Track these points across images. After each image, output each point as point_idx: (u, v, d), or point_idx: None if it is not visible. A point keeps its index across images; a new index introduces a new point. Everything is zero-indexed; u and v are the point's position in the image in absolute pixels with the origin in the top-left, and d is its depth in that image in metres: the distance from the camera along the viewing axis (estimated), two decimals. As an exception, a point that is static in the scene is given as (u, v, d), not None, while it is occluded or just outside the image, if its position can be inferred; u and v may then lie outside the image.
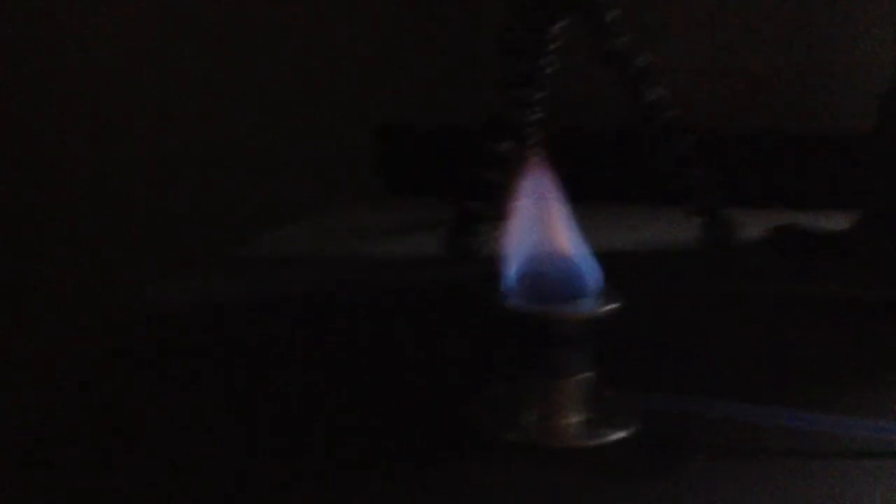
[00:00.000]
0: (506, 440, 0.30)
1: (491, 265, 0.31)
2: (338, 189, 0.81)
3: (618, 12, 0.54)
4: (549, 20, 0.55)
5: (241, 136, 0.85)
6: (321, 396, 0.35)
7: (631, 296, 0.30)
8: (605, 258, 0.31)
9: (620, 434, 0.29)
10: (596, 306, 0.29)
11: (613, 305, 0.29)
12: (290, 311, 0.46)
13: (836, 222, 0.57)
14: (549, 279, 0.30)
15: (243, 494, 0.27)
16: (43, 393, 0.36)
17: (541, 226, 0.32)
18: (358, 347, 0.41)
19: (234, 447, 0.31)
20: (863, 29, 0.69)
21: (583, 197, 0.33)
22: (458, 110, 0.77)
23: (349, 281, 0.52)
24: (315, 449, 0.30)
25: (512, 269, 0.31)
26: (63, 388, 0.37)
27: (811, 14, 0.71)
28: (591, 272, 0.30)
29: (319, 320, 0.44)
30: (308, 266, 0.56)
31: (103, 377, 0.38)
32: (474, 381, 0.35)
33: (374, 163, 0.80)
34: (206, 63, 0.85)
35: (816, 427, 0.29)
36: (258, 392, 0.35)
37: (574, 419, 0.30)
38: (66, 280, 0.87)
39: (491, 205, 0.54)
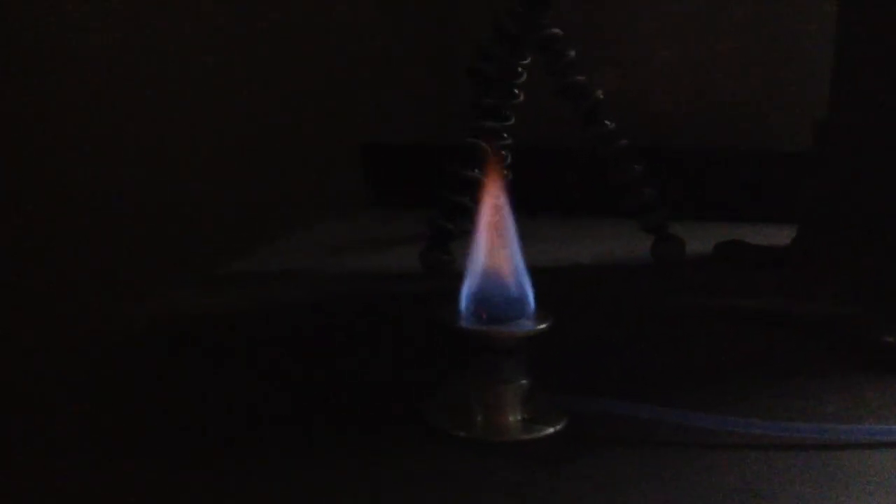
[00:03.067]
0: (456, 435, 0.36)
1: (454, 281, 0.37)
2: (326, 203, 0.86)
3: (574, 53, 0.60)
4: (515, 58, 0.61)
5: (232, 154, 0.89)
6: (290, 396, 0.40)
7: (571, 309, 0.36)
8: (561, 270, 0.35)
9: (549, 430, 0.36)
10: (530, 326, 0.35)
11: (544, 325, 0.35)
12: (273, 322, 0.52)
13: (777, 237, 0.63)
14: (494, 300, 0.36)
15: (220, 482, 0.33)
16: (43, 398, 0.41)
17: (490, 247, 0.37)
18: (331, 352, 0.46)
19: (211, 441, 0.36)
20: (805, 61, 0.75)
21: (546, 210, 0.38)
22: (439, 131, 0.82)
23: (329, 292, 0.58)
24: (284, 443, 0.36)
25: (466, 288, 0.37)
26: (63, 393, 0.41)
27: (764, 46, 0.77)
28: (529, 294, 0.36)
29: (300, 330, 0.50)
30: (295, 278, 0.61)
31: (101, 384, 0.43)
32: (430, 384, 0.41)
33: (361, 178, 0.85)
34: (204, 84, 0.89)
35: (714, 426, 0.35)
36: (239, 393, 0.41)
37: (513, 418, 0.36)
38: (65, 292, 0.90)
39: (460, 224, 0.60)
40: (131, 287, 0.79)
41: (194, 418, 0.38)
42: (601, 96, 0.60)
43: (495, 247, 0.37)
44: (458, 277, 0.37)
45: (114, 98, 0.91)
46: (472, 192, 0.60)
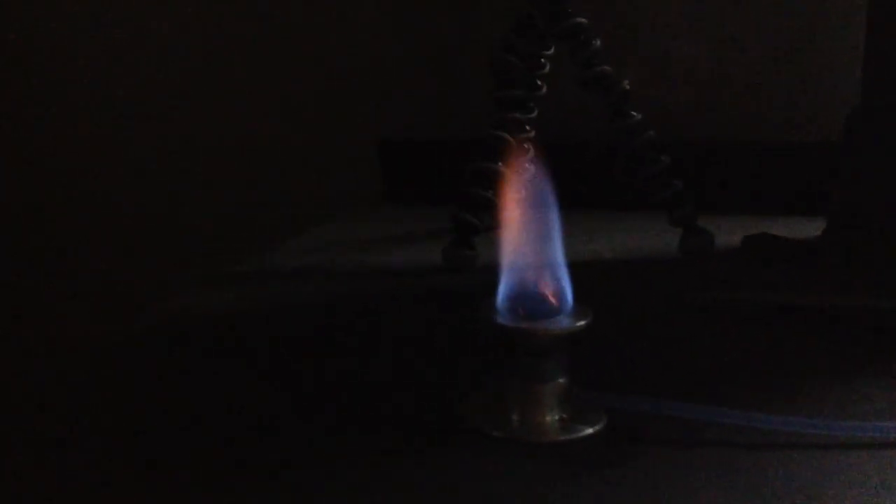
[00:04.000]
0: (493, 435, 0.35)
1: (484, 277, 0.36)
2: (344, 199, 0.85)
3: (599, 43, 0.58)
4: (539, 49, 0.60)
5: (248, 152, 0.89)
6: (327, 394, 0.39)
7: (605, 307, 0.35)
8: (591, 266, 0.34)
9: (589, 430, 0.35)
10: (569, 323, 0.34)
11: (583, 322, 0.34)
12: (296, 319, 0.51)
13: (806, 229, 0.61)
14: (532, 297, 0.35)
15: (244, 484, 0.32)
16: (49, 397, 0.40)
17: (530, 240, 0.36)
18: (363, 351, 0.45)
19: (235, 444, 0.35)
20: (833, 50, 0.74)
21: (573, 205, 0.37)
22: (455, 126, 0.81)
23: (346, 289, 0.57)
24: (321, 441, 0.35)
25: (502, 284, 0.36)
26: (69, 392, 0.41)
27: (793, 34, 0.75)
28: (568, 291, 0.35)
29: (325, 326, 0.49)
30: (316, 275, 0.60)
31: (102, 384, 0.42)
32: (467, 384, 0.40)
33: (377, 174, 0.84)
34: (215, 82, 0.89)
35: (760, 425, 0.34)
36: (263, 391, 0.40)
37: (550, 418, 0.35)
38: (69, 293, 0.90)
39: (485, 218, 0.59)
40: (146, 286, 0.79)
41: (209, 418, 0.38)
42: (628, 87, 0.58)
43: (533, 241, 0.36)
44: (482, 272, 0.36)
45: (117, 94, 0.90)
46: (496, 186, 0.59)
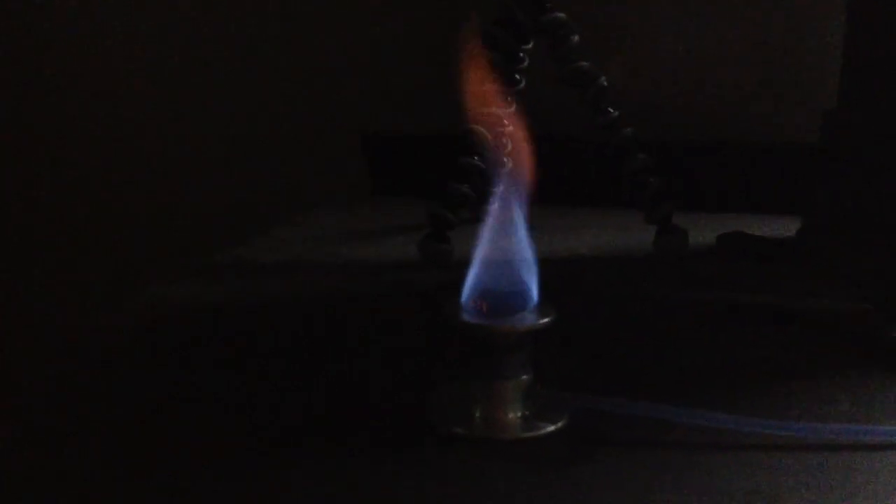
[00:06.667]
0: (456, 433, 0.35)
1: (454, 273, 0.36)
2: (327, 192, 0.85)
3: (577, 38, 0.58)
4: (519, 43, 0.60)
5: (233, 141, 0.88)
6: (291, 392, 0.39)
7: (573, 303, 0.35)
8: (559, 262, 0.34)
9: (551, 428, 0.34)
10: (532, 320, 0.34)
11: (547, 319, 0.34)
12: (269, 313, 0.51)
13: (780, 229, 0.61)
14: (496, 294, 0.35)
15: (221, 482, 0.32)
16: (44, 391, 0.40)
17: (497, 235, 0.36)
18: (327, 348, 0.45)
19: (211, 439, 0.35)
20: (814, 52, 0.74)
21: (550, 201, 0.37)
22: (440, 120, 0.81)
23: (326, 282, 0.57)
24: (278, 439, 0.35)
25: (468, 281, 0.36)
26: (63, 386, 0.41)
27: (770, 35, 0.75)
28: (532, 286, 0.35)
29: (296, 322, 0.49)
30: (292, 269, 0.60)
31: (100, 377, 0.42)
32: (429, 380, 0.40)
33: (361, 167, 0.84)
34: (203, 72, 0.88)
35: (720, 425, 0.34)
36: (236, 389, 0.40)
37: (513, 415, 0.35)
38: (64, 284, 0.90)
39: (461, 213, 0.59)
40: (132, 277, 0.79)
41: (189, 414, 0.37)
42: (605, 83, 0.58)
43: (499, 236, 0.36)
44: (457, 267, 0.36)
45: (107, 87, 0.90)
46: (472, 180, 0.59)
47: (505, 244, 0.36)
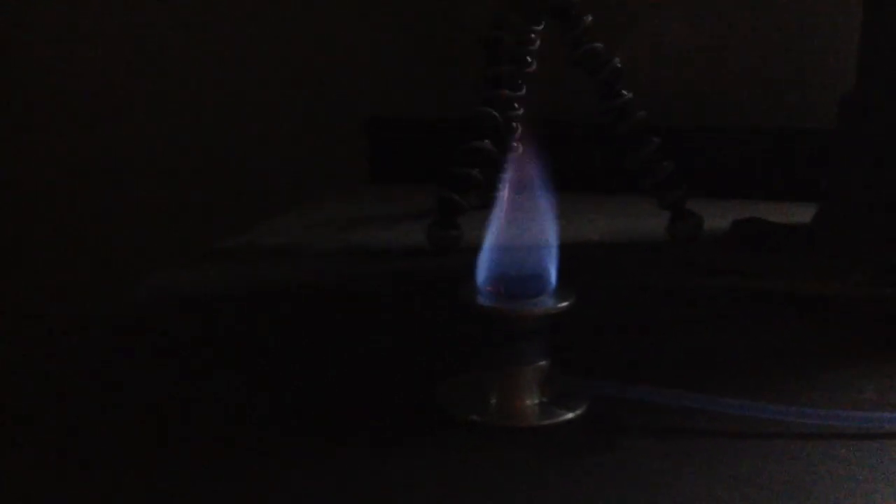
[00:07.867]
0: (471, 420, 0.34)
1: (466, 258, 0.35)
2: (330, 179, 0.84)
3: (591, 19, 0.57)
4: (529, 25, 0.58)
5: (235, 128, 0.87)
6: (305, 381, 0.38)
7: (588, 289, 0.34)
8: (576, 248, 0.33)
9: (569, 415, 0.33)
10: (550, 304, 0.33)
11: (566, 303, 0.33)
12: (277, 301, 0.50)
13: (797, 215, 0.60)
14: (513, 277, 0.34)
15: (229, 471, 0.31)
16: (42, 380, 0.39)
17: (514, 220, 0.35)
18: (340, 335, 0.44)
19: (220, 430, 0.34)
20: (830, 35, 0.72)
21: (560, 187, 0.36)
22: (444, 104, 0.80)
23: (331, 269, 0.56)
24: (291, 428, 0.34)
25: (482, 264, 0.34)
26: (61, 375, 0.40)
27: (785, 18, 0.74)
28: (550, 270, 0.34)
29: (305, 310, 0.48)
30: (298, 256, 0.59)
31: (99, 367, 0.41)
32: (445, 367, 0.39)
33: (364, 153, 0.83)
34: (202, 59, 0.87)
35: (745, 413, 0.33)
36: (244, 379, 0.39)
37: (530, 402, 0.34)
38: (61, 273, 0.89)
39: (470, 198, 0.58)
40: (132, 265, 0.78)
41: (189, 411, 0.36)
42: (619, 65, 0.57)
43: (517, 220, 0.35)
44: (466, 253, 0.35)
45: (106, 73, 0.89)
46: (482, 164, 0.58)
47: (524, 228, 0.35)
